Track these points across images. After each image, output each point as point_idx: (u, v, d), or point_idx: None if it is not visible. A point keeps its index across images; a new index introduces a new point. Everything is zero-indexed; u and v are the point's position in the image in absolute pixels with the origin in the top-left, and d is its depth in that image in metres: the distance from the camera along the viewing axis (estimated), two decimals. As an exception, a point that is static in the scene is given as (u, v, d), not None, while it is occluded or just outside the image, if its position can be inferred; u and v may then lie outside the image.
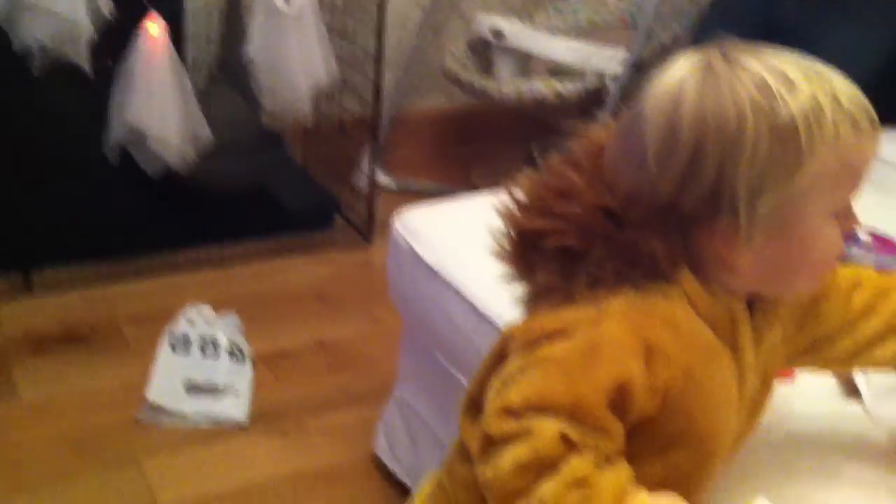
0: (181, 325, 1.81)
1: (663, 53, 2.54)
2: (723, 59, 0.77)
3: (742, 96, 0.75)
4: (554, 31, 2.73)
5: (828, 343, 0.96)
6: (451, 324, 1.34)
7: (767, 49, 0.79)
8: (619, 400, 0.75)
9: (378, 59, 2.26)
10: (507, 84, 2.44)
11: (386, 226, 2.40)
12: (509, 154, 2.80)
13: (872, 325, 0.95)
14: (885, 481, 1.00)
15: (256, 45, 2.05)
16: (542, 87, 2.39)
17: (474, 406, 0.87)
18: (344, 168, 2.53)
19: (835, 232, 0.80)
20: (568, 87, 2.39)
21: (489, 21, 2.56)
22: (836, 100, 0.76)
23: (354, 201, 2.46)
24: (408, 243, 1.44)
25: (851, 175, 0.78)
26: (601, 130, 0.86)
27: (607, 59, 2.40)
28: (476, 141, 2.91)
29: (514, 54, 2.54)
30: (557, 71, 2.58)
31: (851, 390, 1.12)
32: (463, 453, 0.90)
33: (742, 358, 0.84)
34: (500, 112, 2.74)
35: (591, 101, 2.46)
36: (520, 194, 0.85)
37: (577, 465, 0.73)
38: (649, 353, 0.77)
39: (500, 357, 0.83)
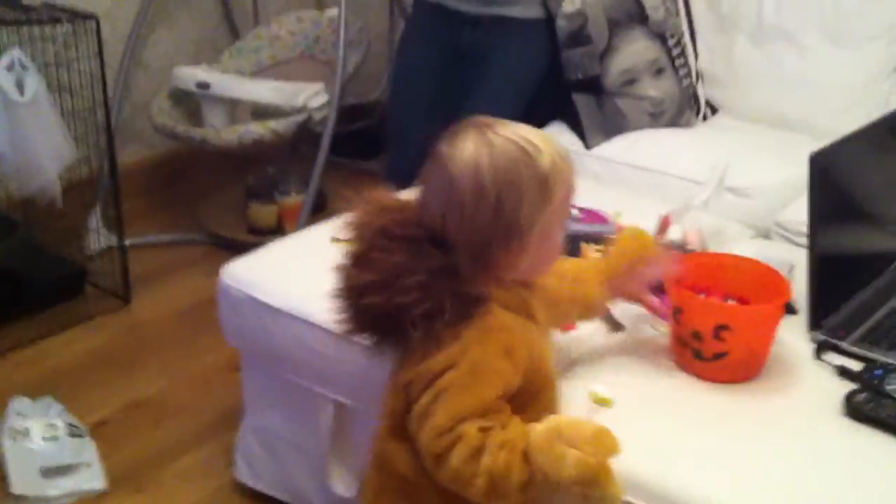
0: (13, 419, 1.88)
1: (351, 80, 2.92)
2: (493, 133, 1.12)
3: (517, 158, 1.11)
4: (241, 72, 2.99)
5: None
6: (306, 348, 1.62)
7: (510, 122, 1.16)
8: (510, 392, 1.15)
9: (108, 127, 2.40)
10: (226, 131, 2.67)
11: (142, 281, 2.57)
12: (228, 191, 3.04)
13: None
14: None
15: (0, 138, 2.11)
16: (259, 128, 2.66)
17: (396, 432, 1.18)
18: (82, 235, 2.62)
19: (562, 232, 1.22)
20: (282, 125, 2.68)
21: (191, 74, 2.76)
22: (559, 153, 1.15)
23: (100, 265, 2.57)
24: (243, 292, 1.68)
25: (571, 195, 1.19)
26: (378, 199, 1.17)
27: (311, 95, 2.71)
28: (192, 182, 3.09)
29: (221, 101, 2.77)
30: (262, 111, 2.85)
31: (614, 325, 1.58)
32: (390, 464, 1.21)
33: (539, 323, 1.24)
34: (208, 152, 2.93)
35: (302, 134, 2.77)
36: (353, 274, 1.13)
37: (494, 438, 1.10)
38: (508, 353, 1.14)
39: (407, 399, 1.15)
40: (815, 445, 1.28)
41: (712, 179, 1.81)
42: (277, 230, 2.84)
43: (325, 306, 1.54)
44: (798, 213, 2.00)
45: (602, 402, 1.30)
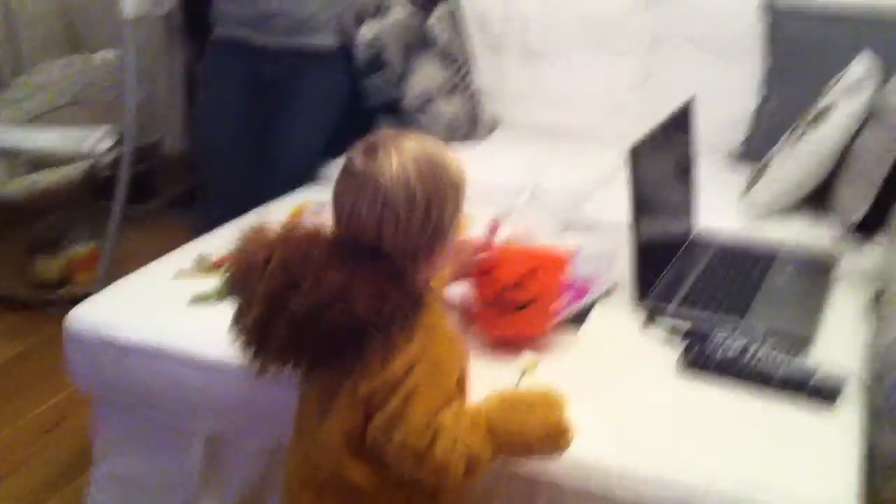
0: None
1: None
2: (408, 146, 1.19)
3: (436, 168, 1.20)
4: (12, 122, 2.85)
5: None
6: (168, 383, 1.60)
7: (411, 135, 1.23)
8: (459, 377, 1.23)
9: None
10: (12, 183, 2.55)
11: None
12: (14, 244, 2.88)
13: None
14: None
15: None
16: (48, 178, 2.56)
17: (353, 447, 1.20)
18: None
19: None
20: (71, 172, 2.59)
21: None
22: (459, 160, 1.25)
23: None
24: (94, 335, 1.64)
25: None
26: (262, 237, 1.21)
27: (98, 140, 2.64)
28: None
29: (1, 155, 2.63)
30: (40, 160, 2.73)
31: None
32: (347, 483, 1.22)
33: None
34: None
35: (89, 180, 2.69)
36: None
37: (463, 421, 1.17)
38: (452, 340, 1.23)
39: (366, 411, 1.17)
40: (660, 395, 1.44)
41: (529, 183, 1.98)
42: (67, 282, 2.73)
43: (188, 339, 1.58)
44: (592, 207, 2.25)
45: (532, 366, 1.45)
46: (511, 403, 1.19)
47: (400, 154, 1.17)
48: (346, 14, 2.40)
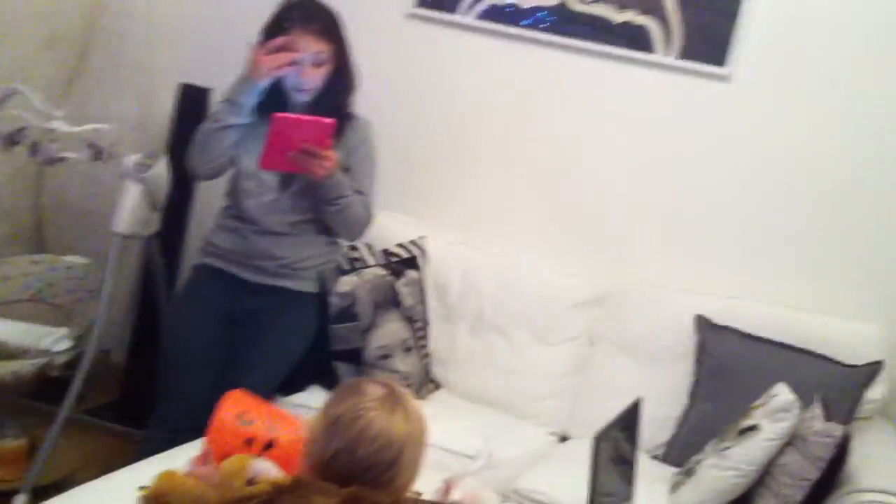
0: None
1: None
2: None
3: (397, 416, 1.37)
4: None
5: None
6: None
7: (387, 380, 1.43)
8: None
9: None
10: (-38, 369, 2.54)
11: None
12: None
13: None
14: None
15: None
16: None
17: None
18: None
19: None
20: (24, 366, 2.61)
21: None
22: None
23: None
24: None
25: None
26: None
27: (57, 339, 2.70)
28: None
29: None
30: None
31: None
32: None
33: None
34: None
35: (38, 378, 2.71)
36: None
37: None
38: None
39: None
40: None
41: (484, 452, 2.12)
42: (-9, 478, 2.67)
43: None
44: (528, 483, 2.39)
45: None
46: None
47: (384, 409, 1.35)
48: (328, 266, 2.60)
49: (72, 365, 2.71)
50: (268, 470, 1.48)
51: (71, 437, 2.93)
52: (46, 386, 2.80)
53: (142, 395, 2.75)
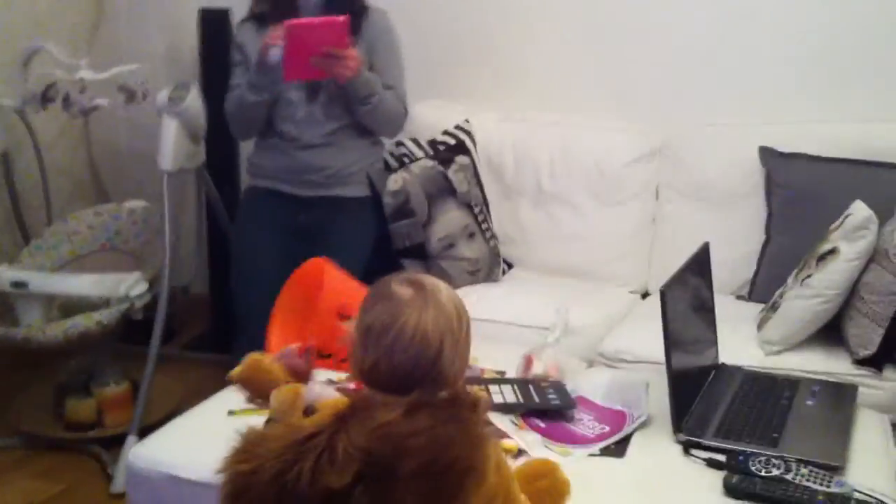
0: None
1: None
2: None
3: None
4: (42, 268, 2.96)
5: None
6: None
7: (416, 275, 1.38)
8: None
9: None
10: (49, 327, 2.62)
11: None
12: (35, 390, 2.94)
13: None
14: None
15: None
16: (85, 322, 2.64)
17: None
18: None
19: None
20: (106, 316, 2.68)
21: (4, 275, 2.71)
22: None
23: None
24: (160, 472, 1.70)
25: None
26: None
27: (132, 285, 2.75)
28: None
29: (37, 299, 2.73)
30: (73, 304, 2.83)
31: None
32: None
33: None
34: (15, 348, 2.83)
35: (125, 324, 2.78)
36: None
37: None
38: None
39: None
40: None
41: (559, 321, 2.10)
42: (97, 424, 2.79)
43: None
44: (612, 344, 2.38)
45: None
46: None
47: (438, 282, 1.33)
48: (375, 166, 2.57)
49: (152, 306, 2.78)
50: (320, 395, 1.46)
51: (172, 374, 3.04)
52: (140, 328, 2.91)
53: (227, 322, 2.80)
